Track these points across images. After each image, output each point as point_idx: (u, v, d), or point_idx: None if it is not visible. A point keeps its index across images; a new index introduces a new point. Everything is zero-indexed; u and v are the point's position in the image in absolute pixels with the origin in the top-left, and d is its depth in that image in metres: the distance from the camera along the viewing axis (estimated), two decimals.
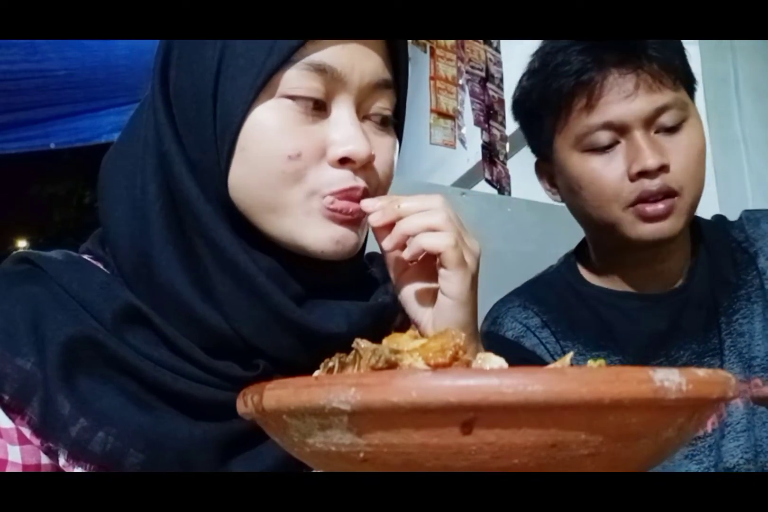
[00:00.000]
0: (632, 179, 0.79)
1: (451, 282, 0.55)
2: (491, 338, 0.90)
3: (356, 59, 0.56)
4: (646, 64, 0.80)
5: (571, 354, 0.39)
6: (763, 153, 1.89)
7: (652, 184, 0.79)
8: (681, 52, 0.85)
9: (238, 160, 0.56)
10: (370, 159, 0.57)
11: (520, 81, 0.91)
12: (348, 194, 0.56)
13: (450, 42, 2.50)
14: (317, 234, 0.56)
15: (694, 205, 0.83)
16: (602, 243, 0.91)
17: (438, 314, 0.57)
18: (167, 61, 0.59)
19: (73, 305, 0.56)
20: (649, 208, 0.80)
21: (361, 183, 0.57)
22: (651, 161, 0.78)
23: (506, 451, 0.31)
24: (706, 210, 1.00)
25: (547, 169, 0.92)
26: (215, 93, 0.55)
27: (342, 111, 0.56)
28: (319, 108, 0.56)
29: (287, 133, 0.55)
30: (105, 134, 3.12)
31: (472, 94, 2.49)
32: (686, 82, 0.85)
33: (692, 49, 2.07)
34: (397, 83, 0.61)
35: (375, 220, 0.56)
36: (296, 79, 0.55)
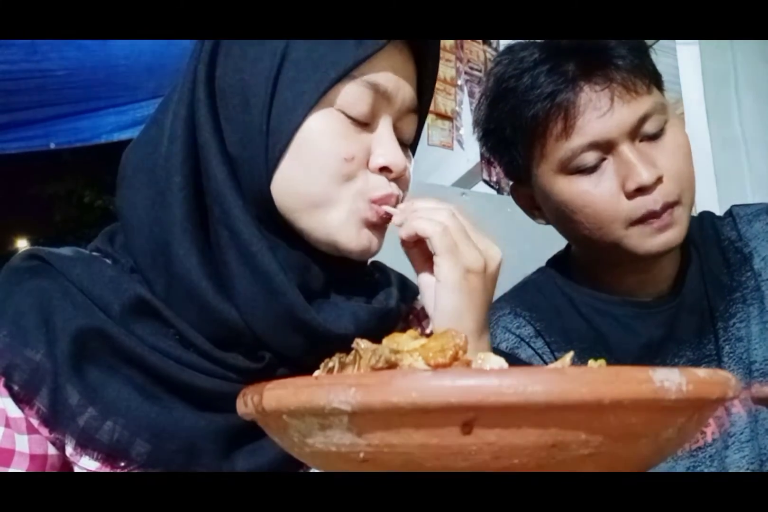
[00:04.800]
0: (629, 197, 0.76)
1: (439, 266, 0.58)
2: None
3: (401, 84, 0.62)
4: (616, 76, 0.76)
5: (571, 354, 0.38)
6: (763, 153, 1.88)
7: (652, 201, 0.75)
8: (645, 52, 0.81)
9: (290, 158, 0.59)
10: (405, 171, 0.63)
11: (481, 108, 0.87)
12: (385, 200, 0.61)
13: (449, 42, 2.50)
14: (352, 234, 0.60)
15: (692, 207, 0.81)
16: (598, 258, 0.87)
17: (436, 299, 0.60)
18: (214, 58, 0.61)
19: (82, 298, 0.58)
20: (657, 223, 0.76)
21: (396, 191, 0.62)
22: (646, 176, 0.74)
23: (506, 451, 0.31)
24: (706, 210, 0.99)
25: (526, 192, 0.88)
26: (273, 95, 0.58)
27: (385, 127, 0.62)
28: (366, 122, 0.61)
29: (343, 138, 0.59)
30: (105, 134, 3.12)
31: (471, 94, 2.49)
32: (656, 81, 0.81)
33: (692, 49, 2.07)
34: (421, 110, 0.67)
35: (396, 219, 0.61)
36: (354, 93, 0.59)
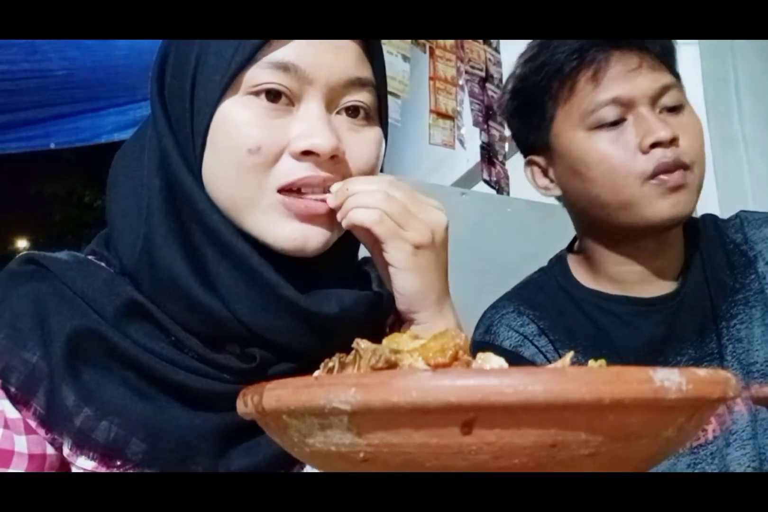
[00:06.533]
0: (644, 151, 0.79)
1: (387, 252, 0.57)
2: (487, 348, 0.86)
3: (323, 57, 0.57)
4: (645, 55, 0.81)
5: (571, 354, 0.38)
6: (763, 153, 1.88)
7: (666, 156, 0.79)
8: (674, 51, 0.86)
9: (208, 155, 0.58)
10: (336, 152, 0.57)
11: (514, 71, 0.90)
12: (305, 183, 0.57)
13: (449, 42, 2.49)
14: (278, 230, 0.58)
15: (701, 185, 0.83)
16: (604, 232, 0.88)
17: (393, 282, 0.59)
18: (164, 65, 0.62)
19: (77, 301, 0.58)
20: (668, 177, 0.79)
21: (321, 172, 0.57)
22: (664, 133, 0.78)
23: (506, 451, 0.31)
24: (706, 210, 0.99)
25: (541, 163, 0.90)
26: (192, 92, 0.58)
27: (308, 106, 0.58)
28: (286, 104, 0.58)
29: (250, 126, 0.56)
30: (105, 134, 3.12)
31: (472, 94, 2.49)
32: (678, 77, 0.86)
33: (692, 49, 2.08)
34: (376, 80, 0.62)
35: (329, 202, 0.58)
36: (259, 77, 0.56)
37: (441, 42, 2.48)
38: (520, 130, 0.93)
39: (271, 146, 0.56)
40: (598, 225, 0.88)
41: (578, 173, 0.83)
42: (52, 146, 3.05)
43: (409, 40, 2.32)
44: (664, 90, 0.81)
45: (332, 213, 0.58)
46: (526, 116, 0.90)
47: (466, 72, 2.49)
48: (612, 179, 0.80)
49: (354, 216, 0.56)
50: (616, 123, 0.81)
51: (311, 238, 0.58)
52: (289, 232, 0.57)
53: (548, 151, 0.88)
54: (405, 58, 2.27)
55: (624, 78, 0.80)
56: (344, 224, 0.58)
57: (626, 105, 0.80)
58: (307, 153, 0.56)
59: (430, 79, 2.47)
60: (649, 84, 0.80)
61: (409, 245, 0.57)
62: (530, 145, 0.92)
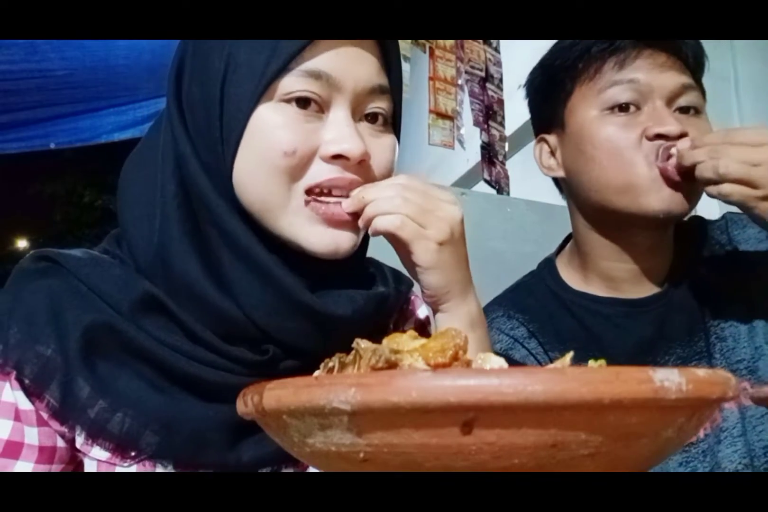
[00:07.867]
0: (650, 138, 0.80)
1: (413, 253, 0.60)
2: None
3: (350, 65, 0.59)
4: (680, 52, 0.83)
5: (571, 354, 0.38)
6: None
7: (668, 147, 0.79)
8: (703, 64, 0.87)
9: (240, 158, 0.59)
10: (364, 157, 0.59)
11: (550, 50, 0.91)
12: (333, 184, 0.59)
13: (449, 42, 2.49)
14: (312, 235, 0.59)
15: (702, 190, 0.81)
16: (601, 220, 0.88)
17: (420, 280, 0.63)
18: (180, 72, 0.63)
19: (91, 296, 0.59)
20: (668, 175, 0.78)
21: (348, 175, 0.59)
22: (673, 128, 0.78)
23: (506, 451, 0.31)
24: (705, 209, 0.99)
25: (551, 142, 0.91)
26: (222, 99, 0.59)
27: (338, 113, 0.60)
28: (316, 111, 0.59)
29: (285, 130, 0.58)
30: (105, 134, 3.12)
31: (472, 94, 2.49)
32: (703, 92, 0.87)
33: None
34: (392, 88, 0.64)
35: (345, 207, 0.60)
36: (293, 85, 0.58)
37: (441, 42, 2.48)
38: (538, 104, 0.94)
39: (304, 149, 0.58)
40: (595, 212, 0.88)
41: (584, 152, 0.84)
42: (52, 146, 3.05)
43: (409, 40, 2.33)
44: (685, 89, 0.82)
45: (357, 217, 0.60)
46: (546, 90, 0.91)
47: (466, 72, 2.49)
48: (615, 161, 0.81)
49: (379, 224, 0.59)
50: (628, 108, 0.82)
51: (342, 242, 0.61)
52: (321, 237, 0.59)
53: (560, 129, 0.89)
54: (405, 58, 2.27)
55: (649, 69, 0.81)
56: (370, 232, 0.60)
57: (643, 92, 0.81)
58: (337, 157, 0.59)
59: (430, 79, 2.47)
60: (672, 80, 0.81)
61: (433, 243, 0.59)
62: (544, 122, 0.93)
